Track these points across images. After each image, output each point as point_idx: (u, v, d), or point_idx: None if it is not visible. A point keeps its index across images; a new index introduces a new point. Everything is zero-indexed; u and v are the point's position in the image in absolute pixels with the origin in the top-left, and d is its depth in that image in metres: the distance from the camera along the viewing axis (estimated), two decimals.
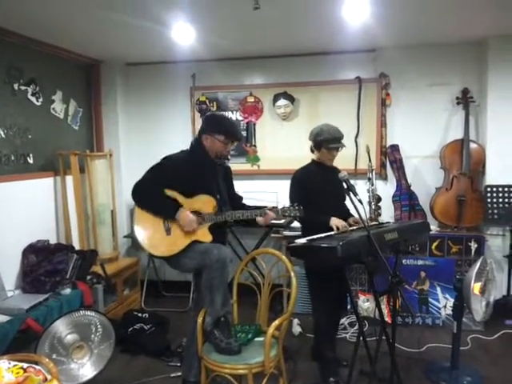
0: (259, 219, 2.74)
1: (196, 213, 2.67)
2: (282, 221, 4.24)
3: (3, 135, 3.56)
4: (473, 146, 4.22)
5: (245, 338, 2.56)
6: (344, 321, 3.94)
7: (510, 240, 4.04)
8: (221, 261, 2.51)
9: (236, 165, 4.73)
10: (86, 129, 4.75)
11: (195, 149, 2.79)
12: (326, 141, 3.03)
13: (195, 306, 2.86)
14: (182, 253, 2.62)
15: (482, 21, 3.59)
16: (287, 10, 3.20)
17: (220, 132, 2.71)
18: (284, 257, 2.70)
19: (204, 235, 2.66)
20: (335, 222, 2.94)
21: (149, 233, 2.64)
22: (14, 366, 2.08)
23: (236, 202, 2.94)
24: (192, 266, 2.64)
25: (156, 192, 2.64)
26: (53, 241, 3.95)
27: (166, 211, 2.64)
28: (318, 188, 3.05)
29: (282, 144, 4.73)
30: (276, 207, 2.78)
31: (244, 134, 4.81)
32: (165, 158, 2.74)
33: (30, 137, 3.86)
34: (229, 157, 2.85)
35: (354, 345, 2.79)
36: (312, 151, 3.19)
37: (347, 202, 3.01)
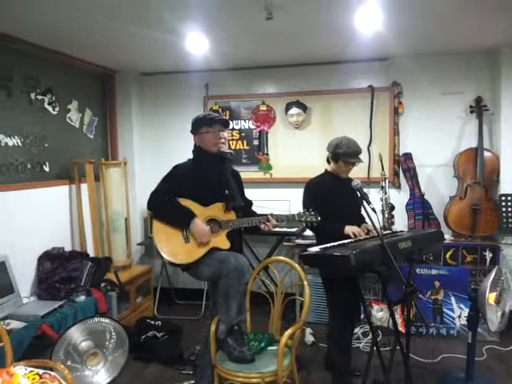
0: (262, 226, 2.75)
1: (212, 220, 2.69)
2: (294, 229, 4.24)
3: (20, 144, 3.63)
4: (487, 154, 4.19)
5: (258, 346, 2.56)
6: (357, 330, 3.91)
7: None
8: (238, 270, 2.52)
9: (248, 173, 4.78)
10: (101, 137, 4.82)
11: (195, 153, 2.85)
12: (345, 154, 3.02)
13: (211, 314, 2.86)
14: (200, 260, 2.63)
15: (495, 29, 3.57)
16: (300, 19, 3.22)
17: (201, 125, 2.78)
18: (297, 265, 2.70)
19: (222, 242, 2.67)
20: (351, 229, 2.92)
21: (167, 241, 2.65)
22: (30, 372, 2.11)
23: (246, 207, 2.95)
24: (210, 273, 2.64)
25: (169, 203, 2.66)
26: (68, 248, 4.00)
27: (179, 222, 2.67)
28: (331, 198, 3.04)
29: (294, 152, 4.75)
30: (277, 214, 2.78)
31: (256, 142, 4.84)
32: (174, 168, 2.79)
33: (46, 145, 3.92)
34: (226, 145, 2.87)
35: (368, 354, 2.77)
36: (328, 162, 3.18)
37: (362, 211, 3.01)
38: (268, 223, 2.73)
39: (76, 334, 2.84)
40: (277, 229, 4.05)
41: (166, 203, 2.67)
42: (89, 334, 2.88)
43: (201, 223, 2.64)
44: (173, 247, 2.65)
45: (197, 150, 2.84)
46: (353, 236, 2.87)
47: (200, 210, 2.69)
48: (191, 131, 2.86)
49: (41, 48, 3.76)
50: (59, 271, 3.56)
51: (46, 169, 3.94)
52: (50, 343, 2.86)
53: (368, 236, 2.96)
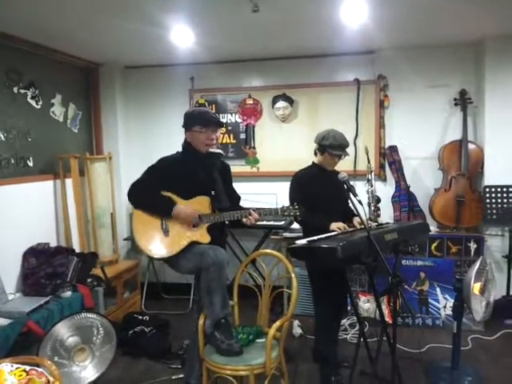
0: (244, 220, 2.73)
1: None
2: (281, 222, 4.25)
3: (3, 138, 3.57)
4: (471, 146, 4.24)
5: (246, 339, 2.56)
6: (344, 322, 3.94)
7: (509, 240, 4.06)
8: (218, 263, 2.50)
9: (235, 167, 4.72)
10: (85, 132, 4.76)
11: (185, 149, 2.82)
12: (330, 146, 3.03)
13: (198, 308, 2.86)
14: (180, 254, 2.62)
15: (480, 22, 3.61)
16: (286, 12, 3.22)
17: (194, 123, 2.74)
18: (284, 258, 2.71)
19: (202, 236, 2.66)
20: (335, 225, 2.92)
21: (147, 235, 2.64)
22: (17, 368, 2.08)
23: (233, 202, 2.94)
24: (189, 267, 2.64)
25: (151, 192, 2.65)
26: (53, 244, 3.95)
27: (162, 209, 2.65)
28: (318, 191, 3.05)
29: (281, 146, 4.75)
30: (261, 208, 2.77)
31: (243, 136, 4.83)
32: (158, 161, 2.77)
33: (29, 140, 3.87)
34: (218, 145, 2.86)
35: (355, 345, 2.80)
36: (315, 154, 3.19)
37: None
38: (250, 217, 2.70)
39: (63, 330, 2.80)
40: (264, 222, 4.08)
41: (148, 192, 2.66)
42: (76, 330, 2.85)
43: (183, 206, 2.63)
44: (152, 241, 2.63)
45: (186, 145, 2.80)
46: (338, 232, 2.88)
47: (181, 203, 2.67)
48: (183, 125, 2.82)
49: (23, 41, 3.69)
50: (44, 267, 3.52)
51: (30, 164, 3.88)
52: (36, 340, 2.83)
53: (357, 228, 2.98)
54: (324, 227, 2.91)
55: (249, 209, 2.74)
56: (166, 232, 2.64)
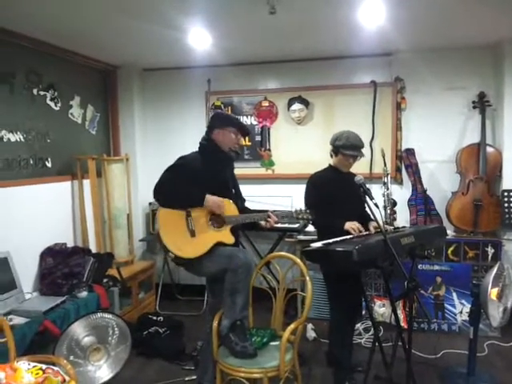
0: (263, 223, 2.75)
1: (214, 215, 2.69)
2: (296, 225, 4.24)
3: (22, 139, 3.63)
4: (489, 149, 4.18)
5: (260, 342, 2.56)
6: (359, 326, 3.91)
7: None
8: (247, 265, 2.53)
9: (251, 169, 4.79)
10: (103, 133, 4.82)
11: (207, 146, 2.81)
12: (343, 146, 3.02)
13: (210, 310, 2.87)
14: (206, 256, 2.61)
15: (497, 24, 3.56)
16: (303, 14, 3.21)
17: (231, 125, 2.79)
18: (299, 261, 2.70)
19: (227, 237, 2.68)
20: (349, 225, 2.91)
21: (174, 236, 2.62)
22: (34, 367, 2.11)
23: (241, 204, 2.95)
24: (215, 269, 2.62)
25: (179, 186, 2.62)
26: (70, 244, 4.00)
27: (194, 198, 2.64)
28: (333, 193, 3.03)
29: (296, 148, 4.74)
30: (275, 211, 2.79)
31: (258, 138, 4.83)
32: (180, 158, 2.75)
33: (48, 141, 3.92)
34: (239, 151, 2.90)
35: (370, 350, 2.78)
36: (331, 156, 3.18)
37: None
38: (269, 219, 2.73)
39: (78, 330, 2.84)
40: (278, 225, 4.06)
41: (175, 186, 2.62)
42: (91, 330, 2.88)
43: (213, 196, 2.64)
44: (179, 241, 2.61)
45: (210, 143, 2.80)
46: (352, 232, 2.85)
47: None
48: (214, 124, 2.83)
49: (43, 43, 3.76)
50: (61, 267, 3.57)
51: (49, 165, 3.94)
52: (52, 339, 2.87)
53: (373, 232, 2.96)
54: (339, 227, 2.90)
55: (267, 211, 2.76)
56: (192, 232, 2.63)
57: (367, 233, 2.92)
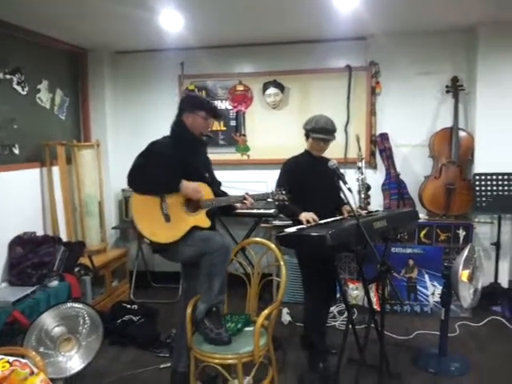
0: (239, 205, 2.76)
1: (189, 199, 2.64)
2: (271, 210, 4.23)
3: None
4: (462, 134, 4.22)
5: (234, 327, 2.55)
6: (333, 309, 3.95)
7: (497, 227, 4.07)
8: (224, 248, 2.51)
9: (225, 155, 4.74)
10: (72, 118, 4.68)
11: (178, 131, 2.76)
12: (312, 130, 3.02)
13: (185, 296, 2.84)
14: (182, 240, 2.57)
15: (472, 7, 3.56)
16: None
17: (201, 108, 2.73)
18: (273, 246, 2.69)
19: (203, 221, 2.65)
20: (304, 215, 2.85)
21: (148, 221, 2.57)
22: (0, 359, 2.04)
23: (217, 188, 2.91)
24: (191, 253, 2.59)
25: (155, 171, 2.56)
26: (40, 233, 3.89)
27: (170, 184, 2.59)
28: (306, 178, 3.02)
29: (272, 133, 4.70)
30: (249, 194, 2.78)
31: (233, 123, 4.77)
32: (151, 143, 2.69)
33: (15, 127, 3.78)
34: (211, 135, 2.86)
35: (343, 333, 2.80)
36: (306, 140, 3.16)
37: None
38: (245, 201, 2.71)
39: (48, 320, 2.76)
40: (254, 210, 4.05)
41: (151, 173, 2.56)
42: (61, 320, 2.81)
43: (189, 182, 2.60)
44: (153, 226, 2.57)
45: (181, 127, 2.73)
46: (305, 223, 2.78)
47: None
48: (183, 107, 2.76)
49: (8, 25, 3.59)
50: (31, 256, 3.47)
51: (16, 151, 3.81)
52: (21, 330, 2.79)
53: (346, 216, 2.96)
54: (295, 215, 2.89)
55: (242, 195, 2.74)
56: (166, 217, 2.58)
57: (341, 217, 2.93)
